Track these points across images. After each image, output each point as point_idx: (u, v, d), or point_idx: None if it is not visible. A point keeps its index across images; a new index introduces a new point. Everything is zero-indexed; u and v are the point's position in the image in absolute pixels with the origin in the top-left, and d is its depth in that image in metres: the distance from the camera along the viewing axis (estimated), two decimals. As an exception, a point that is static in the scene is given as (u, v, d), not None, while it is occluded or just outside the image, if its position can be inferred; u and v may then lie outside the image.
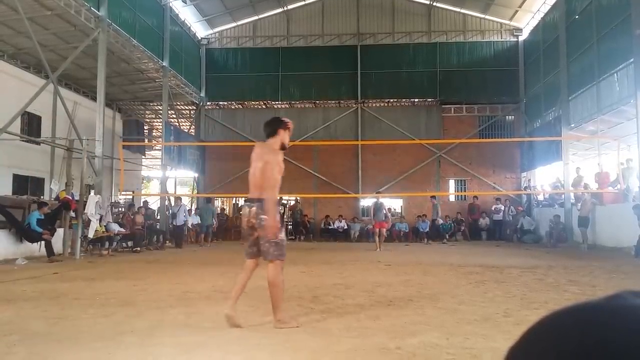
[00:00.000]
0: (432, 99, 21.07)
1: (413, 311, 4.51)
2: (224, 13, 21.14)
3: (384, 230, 14.10)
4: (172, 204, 16.78)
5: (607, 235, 13.02)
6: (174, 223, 15.01)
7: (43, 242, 10.04)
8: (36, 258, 10.08)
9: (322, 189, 20.24)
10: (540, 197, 18.74)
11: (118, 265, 9.09)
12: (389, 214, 14.92)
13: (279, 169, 3.93)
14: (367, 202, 18.54)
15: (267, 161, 3.92)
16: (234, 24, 22.03)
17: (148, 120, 24.42)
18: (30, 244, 10.21)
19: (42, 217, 10.13)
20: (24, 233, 10.06)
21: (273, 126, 4.12)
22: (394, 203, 21.36)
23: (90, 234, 11.06)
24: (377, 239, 13.77)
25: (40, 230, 9.95)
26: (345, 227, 19.01)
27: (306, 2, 21.74)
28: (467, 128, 20.79)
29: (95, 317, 4.27)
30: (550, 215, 15.54)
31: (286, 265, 8.91)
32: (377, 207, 13.95)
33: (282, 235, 4.00)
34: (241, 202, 19.56)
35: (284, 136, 4.10)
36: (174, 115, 20.09)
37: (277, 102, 21.65)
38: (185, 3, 18.81)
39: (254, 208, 3.93)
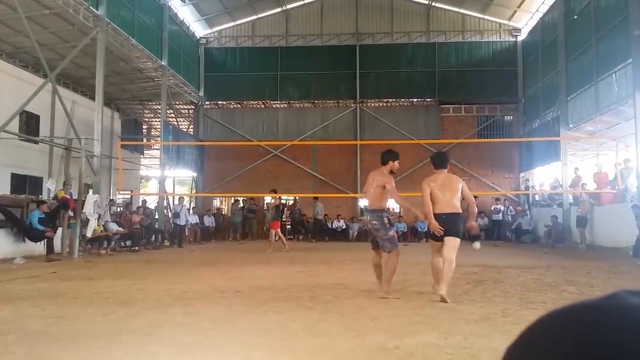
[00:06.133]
0: (430, 99, 21.07)
1: (411, 311, 4.52)
2: (222, 12, 21.13)
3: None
4: (176, 203, 17.01)
5: (605, 235, 13.03)
6: (177, 222, 15.03)
7: (45, 240, 10.07)
8: (34, 257, 10.08)
9: (321, 189, 20.23)
10: (537, 197, 18.74)
11: (116, 265, 9.08)
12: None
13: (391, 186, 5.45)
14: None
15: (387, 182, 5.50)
16: (232, 24, 22.01)
17: (147, 119, 24.36)
18: (34, 243, 10.23)
19: (43, 215, 10.13)
20: (26, 232, 10.08)
21: (385, 157, 5.69)
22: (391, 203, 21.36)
23: (89, 234, 11.05)
24: (272, 239, 12.55)
25: (42, 228, 9.96)
26: (344, 226, 19.01)
27: (305, 1, 21.71)
28: (465, 128, 20.79)
29: (94, 316, 4.27)
30: (548, 215, 15.55)
31: (284, 265, 8.92)
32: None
33: (392, 232, 5.41)
34: (240, 201, 19.83)
35: (392, 165, 5.65)
36: (173, 115, 20.06)
37: (275, 102, 21.63)
38: (184, 2, 18.75)
39: (368, 216, 5.55)
